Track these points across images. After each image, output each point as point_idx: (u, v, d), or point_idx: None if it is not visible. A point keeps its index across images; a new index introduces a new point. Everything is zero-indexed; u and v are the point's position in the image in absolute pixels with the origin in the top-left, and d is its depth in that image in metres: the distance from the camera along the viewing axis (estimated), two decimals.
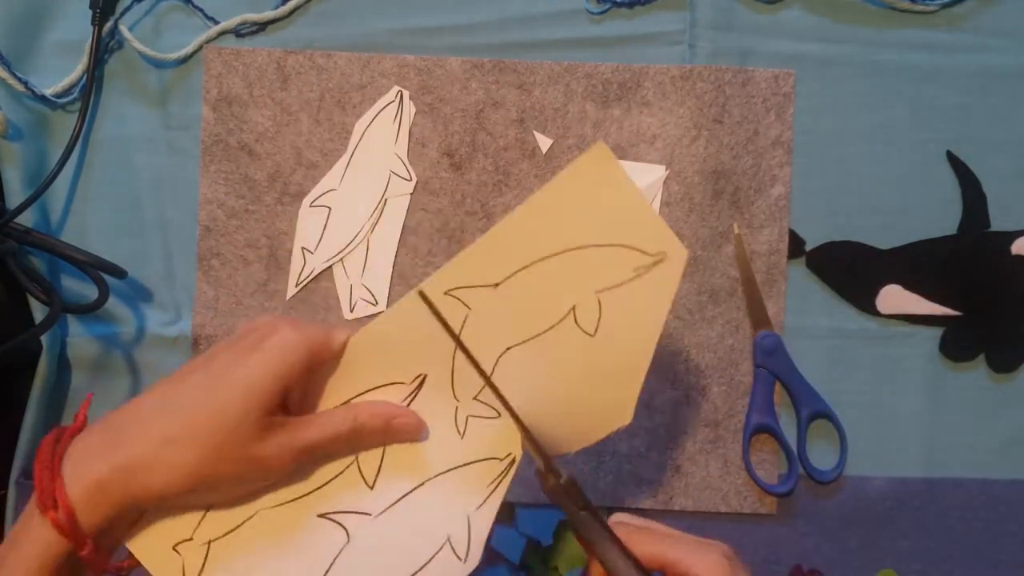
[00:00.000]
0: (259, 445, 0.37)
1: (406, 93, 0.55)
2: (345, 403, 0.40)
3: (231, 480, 0.38)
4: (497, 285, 0.39)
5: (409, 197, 0.55)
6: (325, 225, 0.55)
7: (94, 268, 0.52)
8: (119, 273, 0.53)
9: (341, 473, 0.40)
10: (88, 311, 0.52)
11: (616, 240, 0.38)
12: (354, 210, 0.55)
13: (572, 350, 0.39)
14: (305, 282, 0.55)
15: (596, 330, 0.39)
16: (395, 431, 0.40)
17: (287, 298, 0.55)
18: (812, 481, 0.54)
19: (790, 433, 0.55)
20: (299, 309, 0.55)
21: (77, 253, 0.52)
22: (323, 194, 0.55)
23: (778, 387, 0.55)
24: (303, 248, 0.55)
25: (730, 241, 0.55)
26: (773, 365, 0.54)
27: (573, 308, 0.39)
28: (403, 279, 0.55)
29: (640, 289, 0.38)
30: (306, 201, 0.55)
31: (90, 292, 0.53)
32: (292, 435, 0.38)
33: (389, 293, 0.55)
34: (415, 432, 0.40)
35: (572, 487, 0.39)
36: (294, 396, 0.40)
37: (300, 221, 0.55)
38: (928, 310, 0.55)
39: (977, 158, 0.56)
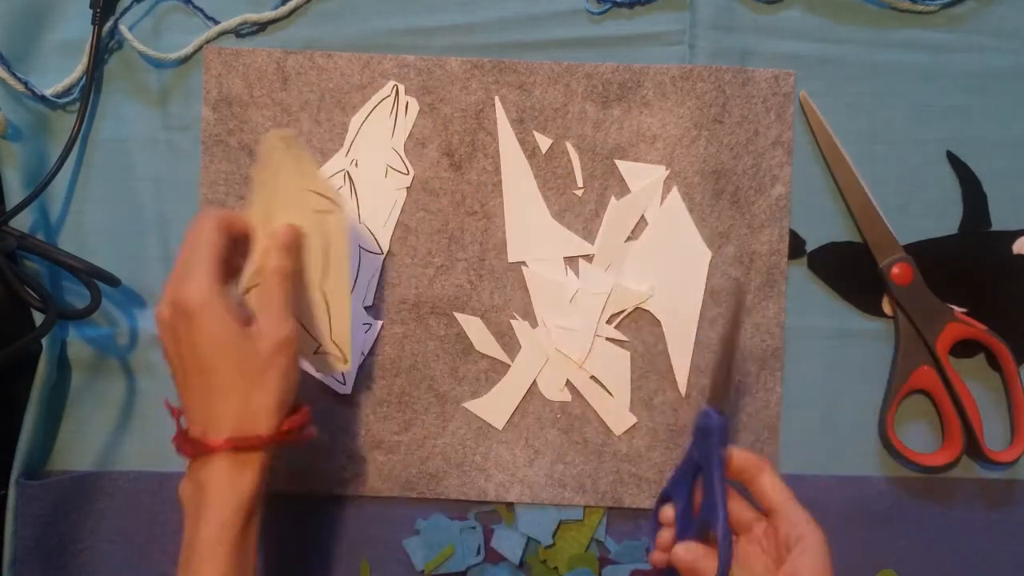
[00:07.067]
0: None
1: (402, 88, 0.55)
2: None
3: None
4: None
5: (406, 191, 0.55)
6: None
7: (87, 275, 0.52)
8: (112, 281, 0.53)
9: None
10: (82, 316, 0.52)
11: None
12: (351, 205, 0.55)
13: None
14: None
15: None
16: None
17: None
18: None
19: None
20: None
21: (71, 259, 0.52)
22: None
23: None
24: None
25: (731, 241, 0.55)
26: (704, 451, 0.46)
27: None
28: (403, 279, 0.55)
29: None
30: None
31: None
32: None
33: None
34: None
35: None
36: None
37: None
38: None
39: (977, 158, 0.56)
